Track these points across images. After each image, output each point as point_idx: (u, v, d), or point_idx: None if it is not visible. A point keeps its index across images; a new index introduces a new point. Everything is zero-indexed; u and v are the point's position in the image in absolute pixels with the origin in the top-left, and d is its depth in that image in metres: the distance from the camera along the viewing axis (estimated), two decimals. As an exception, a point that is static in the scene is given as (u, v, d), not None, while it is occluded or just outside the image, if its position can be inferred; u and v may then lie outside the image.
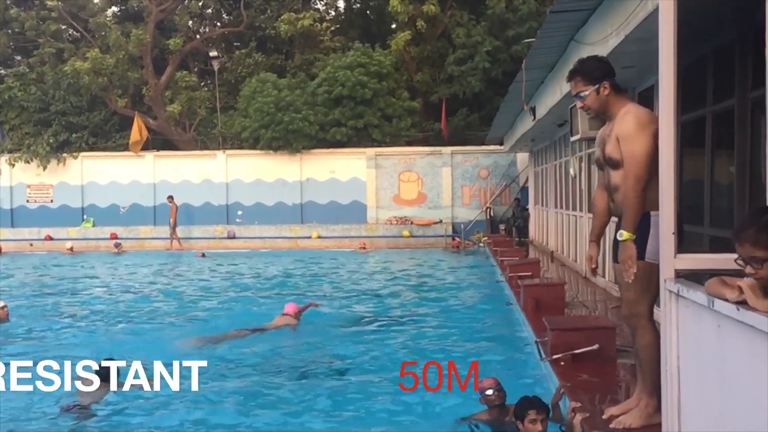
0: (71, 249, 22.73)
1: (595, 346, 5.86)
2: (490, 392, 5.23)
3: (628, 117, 3.90)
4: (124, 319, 10.81)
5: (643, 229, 3.77)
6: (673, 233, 3.09)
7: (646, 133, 3.78)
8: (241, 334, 8.96)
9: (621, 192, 3.92)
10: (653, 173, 3.74)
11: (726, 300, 2.49)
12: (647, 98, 8.35)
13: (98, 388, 6.34)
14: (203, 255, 20.49)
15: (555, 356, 5.89)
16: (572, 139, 10.14)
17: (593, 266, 4.30)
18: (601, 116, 4.15)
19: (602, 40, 6.89)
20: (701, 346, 2.82)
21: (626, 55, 6.80)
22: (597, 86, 4.00)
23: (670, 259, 3.13)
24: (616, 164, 3.93)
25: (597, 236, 4.31)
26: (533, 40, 9.58)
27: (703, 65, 6.18)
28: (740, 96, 5.42)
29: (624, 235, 3.81)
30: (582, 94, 4.06)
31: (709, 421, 2.77)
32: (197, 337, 8.89)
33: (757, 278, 2.45)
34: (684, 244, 3.47)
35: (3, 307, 9.88)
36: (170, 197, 23.32)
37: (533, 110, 12.53)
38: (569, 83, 4.18)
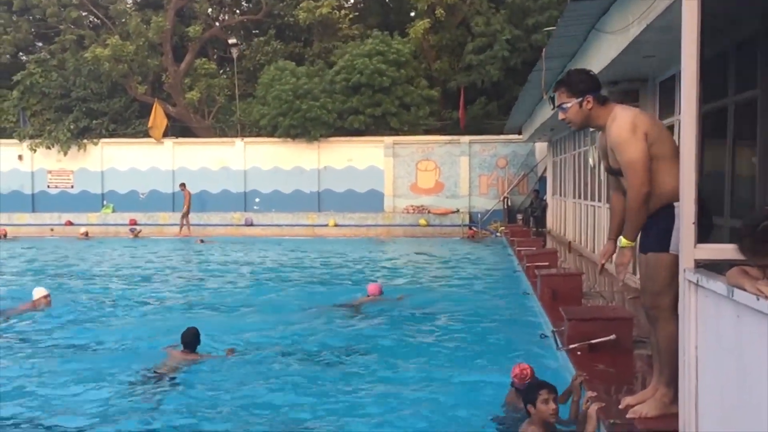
0: (86, 234, 22.91)
1: (612, 337, 5.85)
2: (515, 380, 5.25)
3: (615, 125, 3.90)
4: (150, 302, 11.13)
5: (667, 221, 3.75)
6: (693, 223, 3.09)
7: (636, 136, 3.79)
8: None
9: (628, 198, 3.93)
10: (670, 162, 3.74)
11: (745, 290, 2.49)
12: (668, 88, 8.28)
13: (183, 356, 6.95)
14: (202, 241, 20.70)
15: (572, 346, 5.89)
16: (591, 128, 10.06)
17: (603, 262, 4.26)
18: (587, 129, 4.16)
19: (623, 29, 6.84)
20: (720, 336, 2.82)
21: (648, 44, 6.75)
22: (580, 99, 4.01)
23: (689, 249, 3.13)
24: (622, 173, 3.95)
25: (615, 234, 4.25)
26: (553, 28, 9.52)
27: (725, 55, 6.11)
28: (763, 86, 5.35)
29: (623, 242, 3.92)
30: (564, 106, 4.07)
31: (726, 410, 2.78)
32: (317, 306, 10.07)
33: None
34: (711, 237, 3.46)
35: (47, 296, 10.05)
36: (182, 185, 23.50)
37: (552, 99, 12.44)
38: (554, 93, 4.17)
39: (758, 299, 2.40)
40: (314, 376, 6.73)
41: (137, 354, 7.63)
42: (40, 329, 9.01)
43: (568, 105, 4.04)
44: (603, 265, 4.25)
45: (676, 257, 3.61)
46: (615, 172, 4.04)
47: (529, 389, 4.57)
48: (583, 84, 4.05)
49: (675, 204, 3.64)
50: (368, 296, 10.43)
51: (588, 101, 3.99)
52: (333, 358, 7.43)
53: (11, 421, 5.67)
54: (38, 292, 10.06)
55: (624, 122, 3.85)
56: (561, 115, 4.16)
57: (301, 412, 5.82)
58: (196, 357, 7.09)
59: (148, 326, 9.11)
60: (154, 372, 6.76)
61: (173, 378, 6.66)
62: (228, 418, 5.64)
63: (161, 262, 16.89)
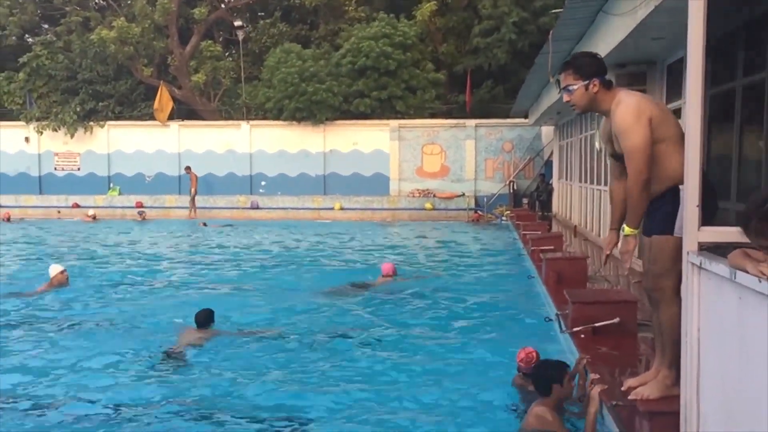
0: (93, 217, 22.97)
1: (616, 320, 5.88)
2: (521, 364, 5.28)
3: (619, 110, 3.88)
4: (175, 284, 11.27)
5: (673, 204, 3.76)
6: (697, 206, 3.08)
7: (641, 122, 3.78)
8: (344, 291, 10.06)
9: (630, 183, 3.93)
10: (675, 145, 3.74)
11: (747, 272, 2.50)
12: (677, 70, 8.23)
13: (197, 335, 7.16)
14: (204, 224, 20.75)
15: (575, 329, 5.92)
16: (595, 112, 10.02)
17: (607, 253, 4.22)
18: (590, 112, 4.14)
19: (631, 11, 6.79)
20: (722, 318, 2.83)
21: (656, 26, 6.70)
22: (587, 82, 4.00)
23: (693, 232, 3.13)
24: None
25: (617, 224, 4.24)
26: (561, 11, 9.45)
27: (733, 38, 6.07)
28: (771, 69, 5.32)
29: (626, 230, 3.92)
30: (570, 88, 4.06)
31: (727, 391, 2.79)
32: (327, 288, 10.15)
33: None
34: (716, 221, 3.46)
35: (63, 272, 10.11)
36: (188, 168, 23.50)
37: (559, 82, 12.38)
38: (560, 75, 4.15)
39: (760, 281, 2.40)
40: (318, 357, 6.80)
41: (152, 332, 7.73)
42: (58, 309, 9.10)
43: (574, 87, 4.03)
44: (608, 255, 4.23)
45: (681, 240, 3.62)
46: (619, 158, 4.04)
47: (555, 368, 4.57)
48: (590, 67, 4.04)
49: (681, 186, 3.64)
50: (382, 276, 10.58)
51: (594, 84, 3.98)
52: (340, 339, 7.49)
53: (32, 398, 5.77)
54: (54, 269, 10.13)
55: (628, 107, 3.84)
56: (566, 97, 4.14)
57: (308, 388, 5.90)
58: (211, 333, 7.26)
59: (163, 306, 9.22)
60: (170, 350, 6.90)
61: (187, 355, 6.81)
62: (239, 396, 5.73)
63: (173, 244, 17.02)
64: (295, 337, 7.50)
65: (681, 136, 3.78)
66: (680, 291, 3.83)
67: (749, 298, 2.52)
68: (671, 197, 3.77)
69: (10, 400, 5.68)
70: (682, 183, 3.54)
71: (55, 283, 9.94)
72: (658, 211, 3.88)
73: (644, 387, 3.98)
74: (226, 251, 15.32)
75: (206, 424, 5.18)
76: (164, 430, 5.07)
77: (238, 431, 5.11)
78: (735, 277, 2.60)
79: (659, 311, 3.94)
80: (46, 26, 28.95)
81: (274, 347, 7.12)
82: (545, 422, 4.36)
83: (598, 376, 4.51)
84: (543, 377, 4.52)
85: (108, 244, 16.79)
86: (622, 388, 4.19)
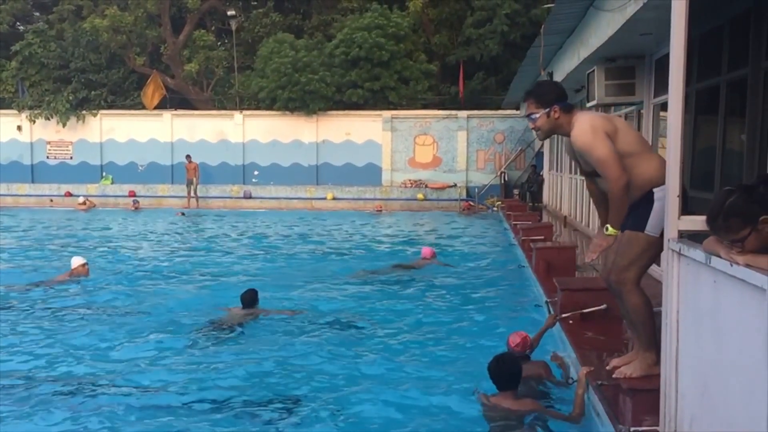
0: (84, 203, 22.98)
1: (603, 306, 6.08)
2: (516, 348, 5.47)
3: (574, 132, 4.11)
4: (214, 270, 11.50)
5: (647, 206, 4.02)
6: (678, 196, 3.28)
7: (599, 136, 4.00)
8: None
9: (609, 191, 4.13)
10: (640, 155, 3.97)
11: (720, 257, 2.71)
12: (664, 65, 8.42)
13: (242, 312, 7.66)
14: (182, 214, 20.88)
15: (564, 315, 6.12)
16: (588, 104, 10.23)
17: (594, 256, 4.22)
18: (554, 135, 4.38)
19: (621, 7, 6.97)
20: (698, 300, 3.04)
21: (644, 22, 6.87)
22: (548, 110, 4.20)
23: (674, 221, 3.32)
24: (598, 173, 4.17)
25: (605, 221, 4.33)
26: (552, 5, 9.62)
27: (718, 34, 6.27)
28: (754, 65, 5.52)
29: (609, 230, 4.09)
30: (533, 116, 4.28)
31: (703, 367, 3.00)
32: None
33: (747, 252, 2.66)
34: (691, 209, 3.67)
35: (84, 264, 10.19)
36: (188, 157, 23.55)
37: (550, 75, 12.58)
38: (524, 103, 4.36)
39: (732, 265, 2.61)
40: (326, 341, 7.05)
41: (192, 315, 8.03)
42: (83, 296, 9.29)
43: (537, 115, 4.25)
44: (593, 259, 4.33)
45: (649, 237, 3.94)
46: (591, 174, 4.25)
47: (516, 360, 4.87)
48: (549, 95, 4.26)
49: (654, 190, 3.89)
50: (422, 259, 11.36)
51: (555, 111, 4.20)
52: (352, 323, 7.83)
53: (91, 375, 6.03)
54: (76, 261, 10.23)
55: (582, 127, 4.07)
56: (531, 125, 4.38)
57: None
58: (256, 312, 7.70)
59: (195, 292, 9.53)
60: (216, 326, 7.33)
61: (233, 332, 7.22)
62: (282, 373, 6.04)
63: (196, 233, 17.26)
64: (315, 323, 7.82)
65: (643, 145, 4.09)
66: (639, 283, 4.13)
67: (723, 282, 2.72)
68: (646, 200, 4.01)
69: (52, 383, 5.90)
70: (654, 186, 3.87)
71: (75, 274, 10.04)
72: (632, 212, 4.11)
73: (627, 366, 4.20)
74: (215, 240, 15.49)
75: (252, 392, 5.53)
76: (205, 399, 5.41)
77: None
78: (710, 262, 2.81)
79: (624, 301, 4.19)
80: (38, 14, 28.83)
81: (312, 322, 7.57)
82: (537, 407, 4.67)
83: (591, 368, 4.66)
84: (515, 368, 4.74)
85: (115, 234, 16.90)
86: (607, 367, 4.41)
